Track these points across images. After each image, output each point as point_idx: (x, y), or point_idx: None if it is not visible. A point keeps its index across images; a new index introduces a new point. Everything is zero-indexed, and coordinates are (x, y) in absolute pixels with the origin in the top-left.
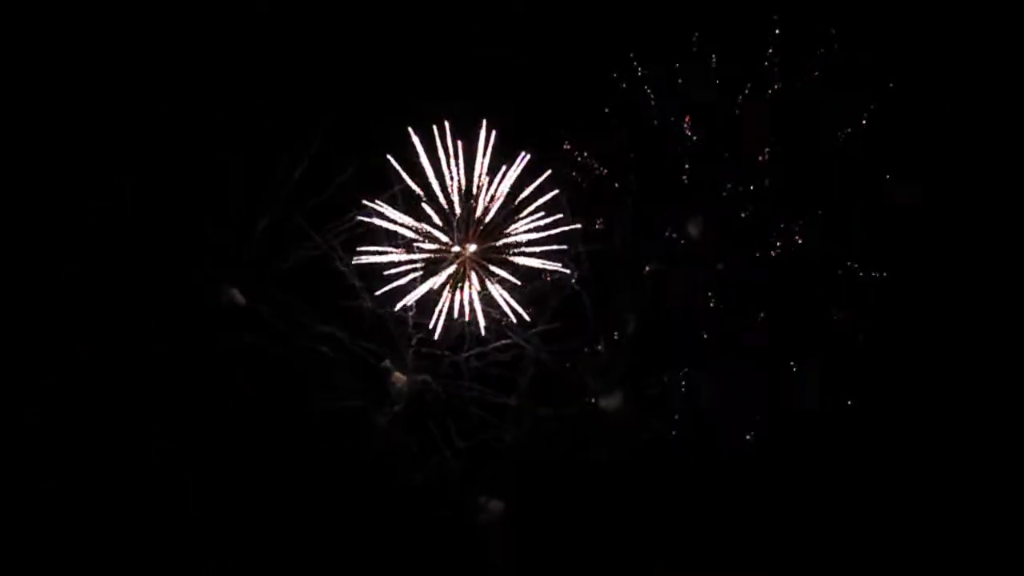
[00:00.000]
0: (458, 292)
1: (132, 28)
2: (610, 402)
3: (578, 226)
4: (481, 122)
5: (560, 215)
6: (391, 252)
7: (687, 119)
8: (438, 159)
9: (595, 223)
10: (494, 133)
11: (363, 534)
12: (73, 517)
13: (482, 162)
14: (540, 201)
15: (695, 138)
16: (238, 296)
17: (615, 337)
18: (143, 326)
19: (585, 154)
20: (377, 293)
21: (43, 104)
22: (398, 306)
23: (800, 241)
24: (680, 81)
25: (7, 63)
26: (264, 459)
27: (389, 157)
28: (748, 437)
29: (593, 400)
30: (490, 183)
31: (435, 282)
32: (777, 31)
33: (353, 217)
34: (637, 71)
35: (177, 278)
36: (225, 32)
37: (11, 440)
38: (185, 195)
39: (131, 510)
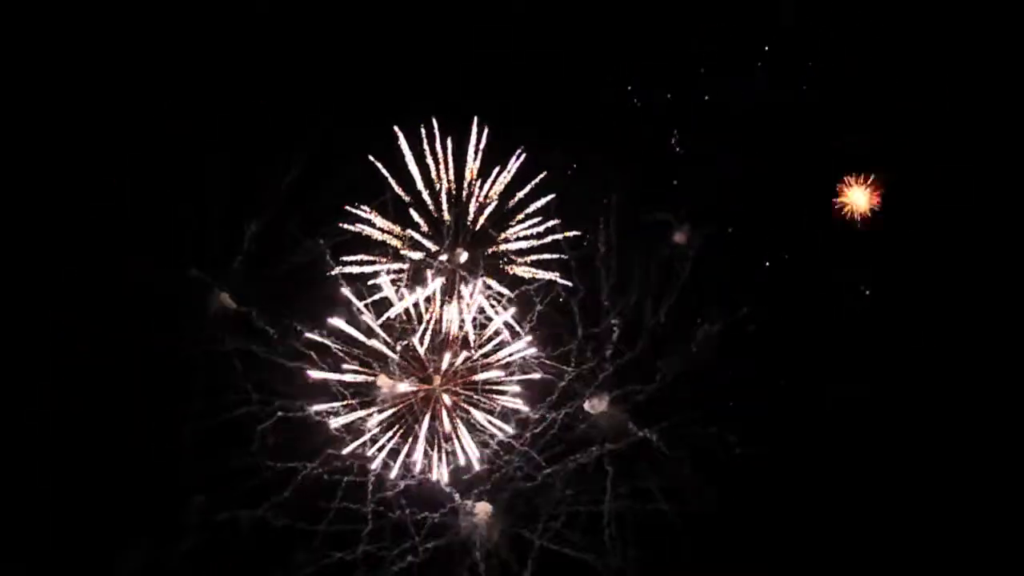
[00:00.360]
0: (446, 302)
1: (132, 29)
2: (597, 405)
3: (576, 233)
4: (472, 120)
5: (556, 221)
6: (378, 261)
7: (674, 133)
8: (433, 161)
9: (583, 231)
10: (486, 132)
11: (351, 536)
12: (73, 516)
13: (472, 167)
14: (533, 206)
15: (680, 151)
16: (228, 300)
17: (604, 345)
18: (143, 326)
19: (575, 166)
20: (363, 304)
21: (43, 105)
22: (381, 319)
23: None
24: (669, 96)
25: (7, 63)
26: (257, 460)
27: (373, 159)
28: (733, 439)
29: (584, 408)
30: (481, 186)
31: (424, 293)
32: (766, 48)
33: (339, 224)
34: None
35: (175, 278)
36: (225, 33)
37: (11, 440)
38: (185, 195)
39: (131, 509)
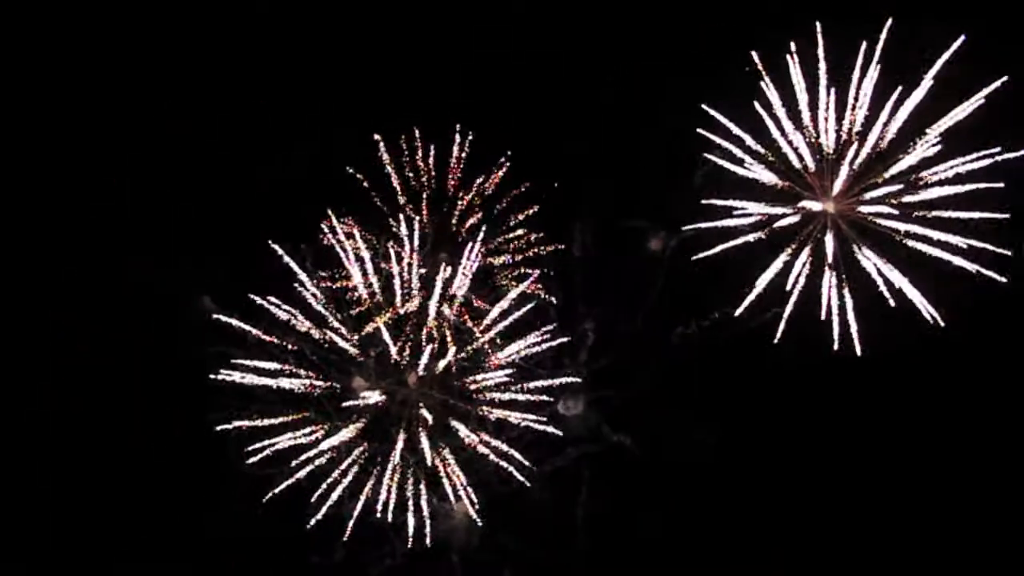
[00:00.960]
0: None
1: (133, 30)
2: (572, 408)
3: (560, 246)
4: (455, 127)
5: (540, 234)
6: (354, 274)
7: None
8: (412, 171)
9: (562, 243)
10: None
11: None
12: (72, 515)
13: (457, 174)
14: (514, 220)
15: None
16: (209, 304)
17: (580, 349)
18: (143, 326)
19: (556, 185)
20: (336, 313)
21: (44, 105)
22: (360, 334)
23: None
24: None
25: (7, 64)
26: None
27: (350, 170)
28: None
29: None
30: (463, 195)
31: (408, 306)
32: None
33: (319, 236)
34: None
35: (171, 279)
36: (224, 36)
37: (11, 440)
38: (185, 195)
39: (130, 509)
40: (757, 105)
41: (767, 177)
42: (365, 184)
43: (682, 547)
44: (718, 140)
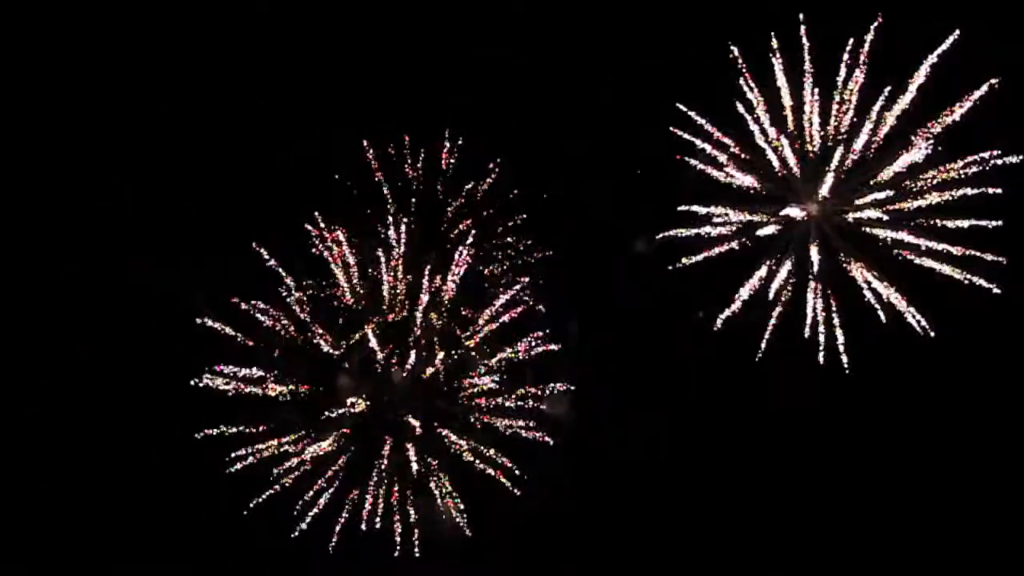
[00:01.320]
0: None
1: (132, 30)
2: (557, 409)
3: (549, 252)
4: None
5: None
6: (342, 279)
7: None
8: (405, 173)
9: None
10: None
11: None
12: (72, 515)
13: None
14: (510, 223)
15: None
16: (200, 303)
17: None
18: (143, 326)
19: (545, 195)
20: (328, 323)
21: (44, 105)
22: (349, 340)
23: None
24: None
25: (8, 64)
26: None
27: (338, 177)
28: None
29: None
30: (455, 199)
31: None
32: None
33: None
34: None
35: (172, 278)
36: (224, 37)
37: (11, 440)
38: (184, 195)
39: (130, 509)
40: (739, 106)
41: (749, 182)
42: (355, 191)
43: (673, 548)
44: (700, 143)
